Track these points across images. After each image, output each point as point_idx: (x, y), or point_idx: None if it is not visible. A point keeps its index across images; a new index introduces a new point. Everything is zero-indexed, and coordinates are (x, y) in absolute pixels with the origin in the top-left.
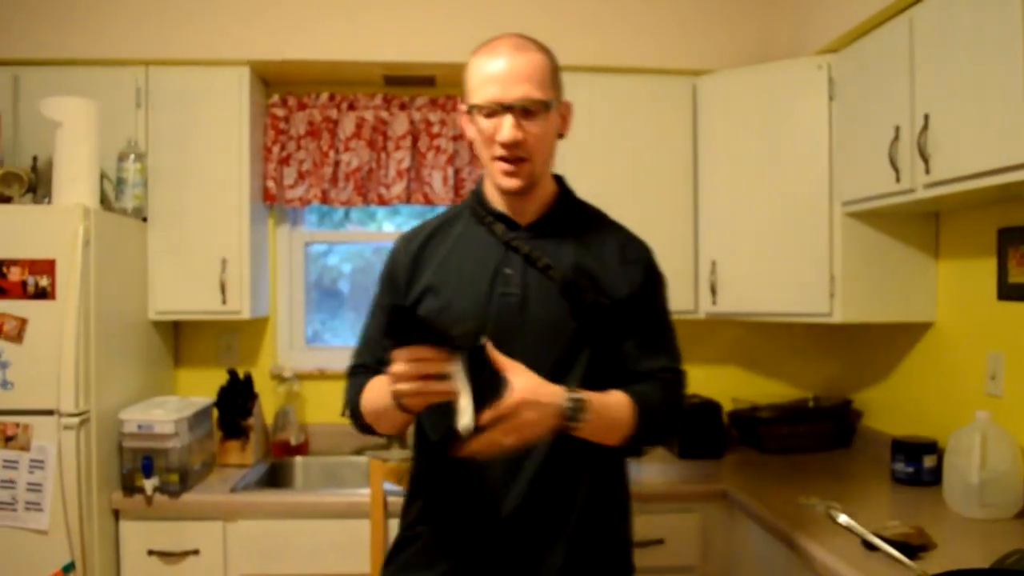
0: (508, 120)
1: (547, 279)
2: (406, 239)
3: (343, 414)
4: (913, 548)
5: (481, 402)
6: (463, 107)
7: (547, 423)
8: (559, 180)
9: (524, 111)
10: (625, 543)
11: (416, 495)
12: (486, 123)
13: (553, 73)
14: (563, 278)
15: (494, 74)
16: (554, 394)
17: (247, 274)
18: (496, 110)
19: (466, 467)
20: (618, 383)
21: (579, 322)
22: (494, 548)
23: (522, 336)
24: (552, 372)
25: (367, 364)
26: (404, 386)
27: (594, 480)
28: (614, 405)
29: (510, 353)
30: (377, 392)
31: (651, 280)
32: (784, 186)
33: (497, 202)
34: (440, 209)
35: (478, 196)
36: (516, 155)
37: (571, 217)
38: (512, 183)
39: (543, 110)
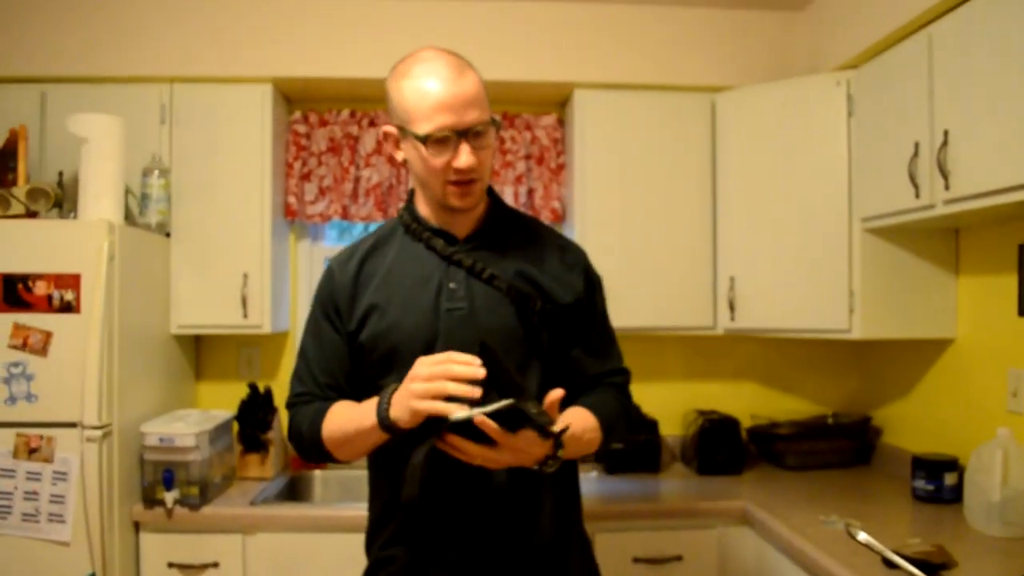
0: (466, 147)
1: (493, 289)
2: (341, 261)
3: (290, 440)
4: (934, 566)
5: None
6: (390, 128)
7: (526, 463)
8: (488, 190)
9: (475, 134)
10: (588, 542)
11: (388, 517)
12: (439, 149)
13: (485, 88)
14: (510, 286)
15: (443, 101)
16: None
17: (268, 289)
18: (450, 136)
19: (440, 487)
20: (570, 388)
21: (528, 329)
22: (472, 565)
23: (475, 348)
24: None
25: (312, 392)
26: (421, 386)
27: (556, 489)
28: (586, 434)
29: None
30: (346, 416)
31: (591, 285)
32: (803, 202)
33: (432, 218)
34: None
35: (412, 213)
36: (470, 177)
37: (507, 226)
38: (467, 203)
39: (491, 129)
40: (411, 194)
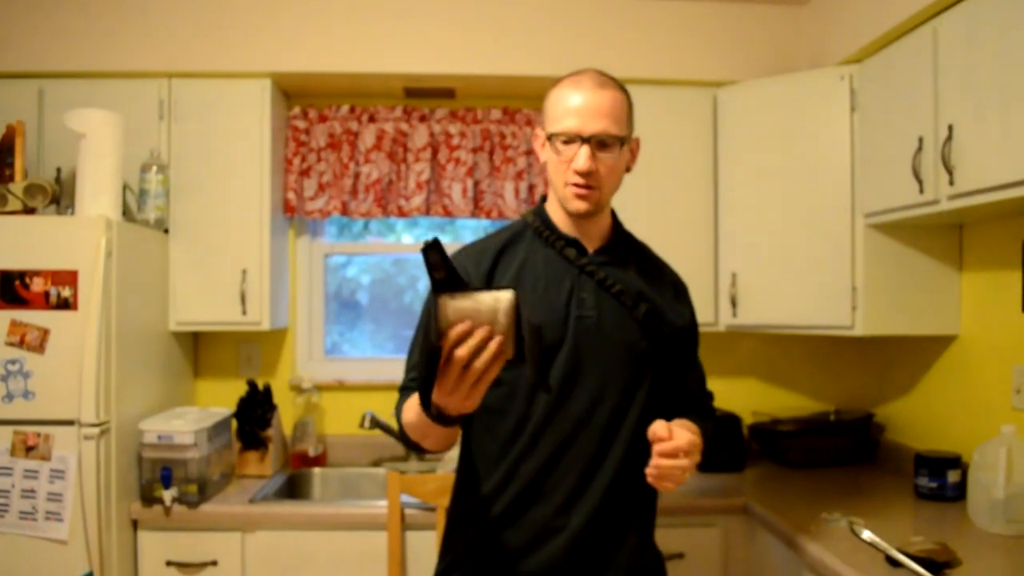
0: (585, 150)
1: (619, 304)
2: (475, 255)
3: (399, 436)
4: (938, 565)
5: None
6: (539, 131)
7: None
8: (612, 213)
9: (600, 144)
10: (662, 560)
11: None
12: (564, 149)
13: (629, 111)
14: (636, 304)
15: (575, 107)
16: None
17: (267, 285)
18: (574, 139)
19: (509, 521)
20: (668, 402)
21: (649, 345)
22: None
23: (599, 356)
24: (623, 391)
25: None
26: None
27: (641, 531)
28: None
29: (588, 372)
30: (411, 404)
31: (693, 316)
32: (806, 198)
33: (564, 225)
34: (460, 221)
35: (543, 217)
36: (588, 183)
37: (628, 248)
38: (581, 206)
39: (617, 144)
40: (543, 199)
